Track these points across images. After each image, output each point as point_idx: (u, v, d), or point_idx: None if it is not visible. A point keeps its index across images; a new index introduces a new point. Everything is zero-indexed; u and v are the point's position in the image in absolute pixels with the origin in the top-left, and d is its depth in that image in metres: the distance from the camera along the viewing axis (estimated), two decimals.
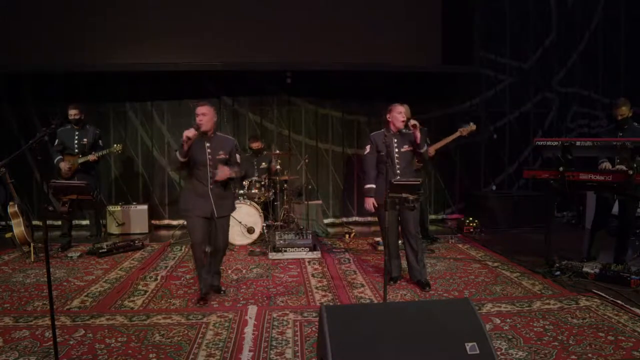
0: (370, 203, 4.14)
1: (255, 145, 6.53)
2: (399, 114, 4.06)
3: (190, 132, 3.51)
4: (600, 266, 4.21)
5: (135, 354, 2.83)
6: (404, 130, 4.09)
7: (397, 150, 4.08)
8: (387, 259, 3.65)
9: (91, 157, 5.40)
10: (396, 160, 4.07)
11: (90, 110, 6.85)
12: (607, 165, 4.43)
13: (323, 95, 7.35)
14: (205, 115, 3.65)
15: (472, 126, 5.48)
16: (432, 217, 6.89)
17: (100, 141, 5.64)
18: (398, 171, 4.05)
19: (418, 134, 3.98)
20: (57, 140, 5.40)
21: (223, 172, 3.67)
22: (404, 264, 4.38)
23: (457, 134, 5.51)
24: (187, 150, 3.57)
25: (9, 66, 6.47)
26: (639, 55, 7.59)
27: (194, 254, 3.88)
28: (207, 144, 3.72)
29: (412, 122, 3.95)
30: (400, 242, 4.40)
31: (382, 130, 4.18)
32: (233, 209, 4.01)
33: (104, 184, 7.09)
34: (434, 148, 5.57)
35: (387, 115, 4.12)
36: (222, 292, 3.96)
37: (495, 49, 7.51)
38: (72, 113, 5.41)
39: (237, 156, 3.91)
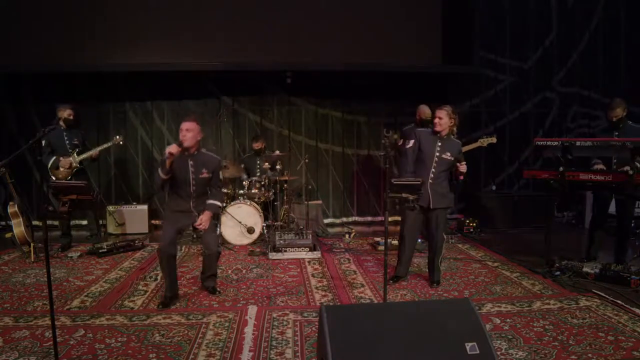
0: None
1: (257, 145, 6.54)
2: (436, 119, 4.01)
3: (173, 148, 3.46)
4: (600, 266, 4.21)
5: (135, 354, 2.83)
6: (451, 136, 4.06)
7: (437, 154, 4.00)
8: (385, 258, 3.64)
9: (94, 153, 5.38)
10: (434, 164, 4.00)
11: (90, 110, 6.88)
12: (599, 167, 4.43)
13: (323, 95, 7.35)
14: (189, 131, 3.59)
15: (493, 138, 5.50)
16: None
17: (86, 142, 5.64)
18: (432, 175, 4.00)
19: (461, 178, 4.05)
20: (44, 142, 5.28)
21: (205, 221, 3.71)
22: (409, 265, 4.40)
23: (477, 144, 5.53)
24: (170, 168, 3.53)
25: (9, 66, 6.46)
26: (639, 55, 7.59)
27: (159, 257, 3.71)
28: (191, 162, 3.67)
29: (462, 168, 4.01)
30: (420, 241, 4.38)
31: (428, 129, 4.16)
32: (215, 220, 3.97)
33: (103, 184, 7.09)
34: None
35: (434, 118, 4.06)
36: (217, 292, 3.94)
37: (495, 49, 7.50)
38: (69, 114, 5.40)
39: (220, 174, 3.95)
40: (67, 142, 5.43)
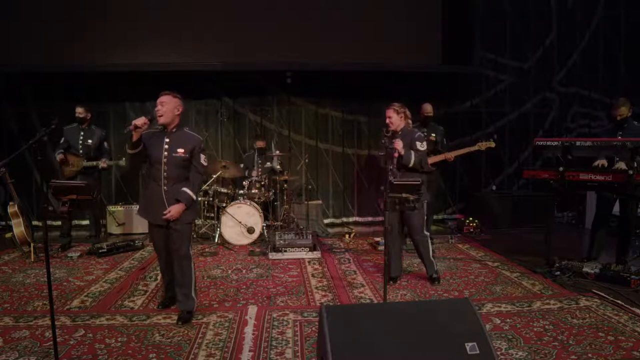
0: None
1: (259, 144, 6.55)
2: (386, 118, 4.13)
3: (138, 121, 3.08)
4: (600, 266, 4.21)
5: (135, 354, 2.83)
6: (407, 128, 4.15)
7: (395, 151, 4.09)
8: (387, 258, 3.65)
9: (102, 164, 5.41)
10: (394, 160, 4.08)
11: (91, 110, 6.87)
12: (602, 162, 4.42)
13: (323, 95, 7.35)
14: (164, 104, 3.22)
15: (492, 143, 5.51)
16: (433, 217, 6.90)
17: (105, 143, 5.64)
18: (395, 170, 4.07)
19: (396, 155, 3.99)
20: (62, 138, 5.44)
21: (175, 212, 3.19)
22: (404, 263, 4.39)
23: (476, 147, 5.54)
24: (137, 142, 3.16)
25: (9, 66, 6.47)
26: (639, 55, 7.59)
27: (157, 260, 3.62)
28: (167, 139, 3.28)
29: (395, 144, 3.98)
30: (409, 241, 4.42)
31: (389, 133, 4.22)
32: (193, 215, 3.44)
33: (103, 184, 7.09)
34: (454, 155, 5.61)
35: None
36: (179, 322, 3.28)
37: (495, 49, 7.51)
38: (77, 112, 5.45)
39: (202, 157, 3.37)
40: (81, 141, 5.47)
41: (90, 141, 5.48)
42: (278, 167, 6.25)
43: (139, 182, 7.19)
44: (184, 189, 3.29)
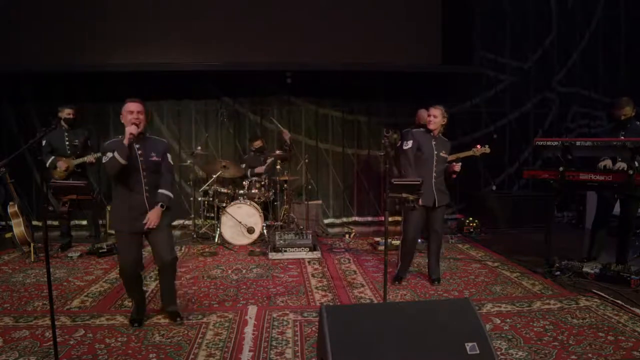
0: None
1: (257, 144, 6.54)
2: (429, 116, 4.11)
3: (133, 129, 3.11)
4: (600, 266, 4.21)
5: (135, 354, 2.83)
6: (444, 138, 4.19)
7: (436, 153, 4.09)
8: (385, 258, 3.63)
9: (88, 159, 5.34)
10: (435, 163, 4.08)
11: (90, 110, 6.87)
12: (607, 163, 4.40)
13: (323, 95, 7.35)
14: (141, 113, 3.20)
15: (487, 148, 5.53)
16: None
17: (88, 141, 5.57)
18: (435, 174, 4.07)
19: (454, 176, 4.18)
20: (44, 142, 5.20)
21: (154, 218, 3.20)
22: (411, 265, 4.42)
23: (470, 153, 5.56)
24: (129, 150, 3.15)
25: (9, 66, 6.47)
26: (639, 55, 7.58)
27: (123, 279, 3.37)
28: (137, 146, 3.24)
29: (457, 167, 4.13)
30: (420, 241, 4.50)
31: (421, 129, 4.23)
32: (172, 216, 3.47)
33: (103, 184, 7.08)
34: (450, 159, 5.60)
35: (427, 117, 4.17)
36: (178, 319, 3.34)
37: (496, 49, 7.51)
38: (68, 113, 5.35)
39: (169, 156, 3.41)
40: (67, 142, 5.39)
41: (77, 141, 5.40)
42: (278, 167, 6.25)
43: None
44: (161, 190, 3.31)
